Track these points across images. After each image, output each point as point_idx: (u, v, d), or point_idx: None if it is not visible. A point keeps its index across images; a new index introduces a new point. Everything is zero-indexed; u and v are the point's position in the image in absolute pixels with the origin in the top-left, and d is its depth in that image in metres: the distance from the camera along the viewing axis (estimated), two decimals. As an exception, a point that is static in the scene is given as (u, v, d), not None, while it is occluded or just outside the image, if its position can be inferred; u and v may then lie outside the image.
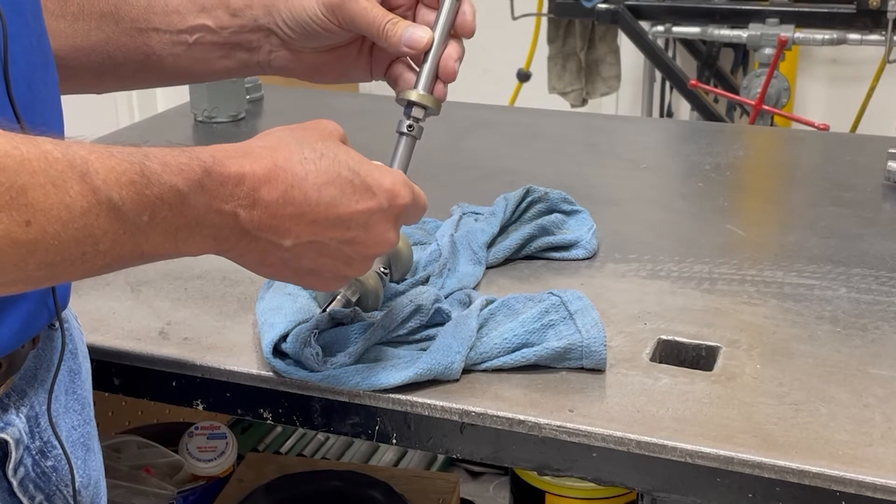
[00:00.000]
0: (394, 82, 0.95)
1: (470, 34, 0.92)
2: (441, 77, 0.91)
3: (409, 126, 0.91)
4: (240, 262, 0.77)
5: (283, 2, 0.93)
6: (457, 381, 0.90)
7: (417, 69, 0.92)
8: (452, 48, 0.91)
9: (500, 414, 0.86)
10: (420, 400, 0.88)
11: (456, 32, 0.92)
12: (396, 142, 0.91)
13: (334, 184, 0.76)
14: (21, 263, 0.61)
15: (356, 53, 0.96)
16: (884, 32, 2.63)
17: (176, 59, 0.96)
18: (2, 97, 0.70)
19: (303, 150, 0.76)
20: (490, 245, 1.14)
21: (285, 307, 0.95)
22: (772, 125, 2.64)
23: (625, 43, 3.11)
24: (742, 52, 3.29)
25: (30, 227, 0.60)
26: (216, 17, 0.95)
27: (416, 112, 0.91)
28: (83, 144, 0.64)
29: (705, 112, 2.84)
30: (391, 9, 0.93)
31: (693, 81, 2.75)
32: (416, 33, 0.89)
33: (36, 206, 0.60)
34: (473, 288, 1.06)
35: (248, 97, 1.78)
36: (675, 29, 2.95)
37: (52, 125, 0.78)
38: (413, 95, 0.91)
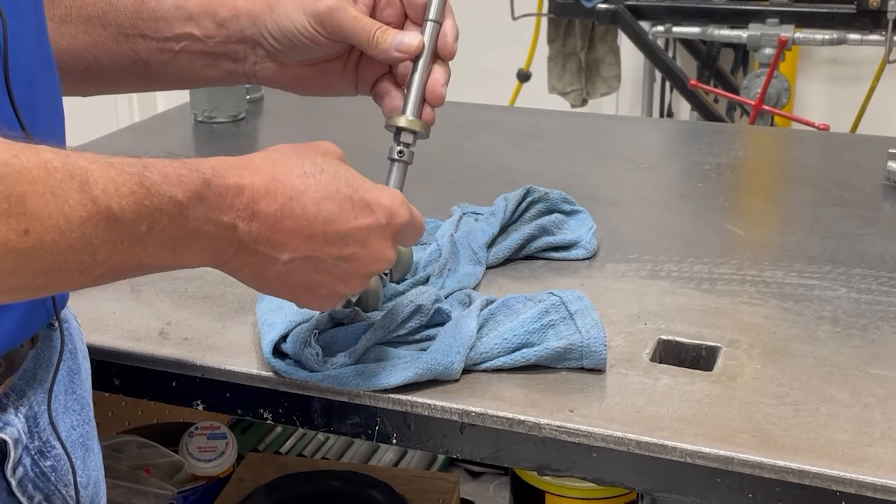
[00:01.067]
0: (380, 99, 0.95)
1: (450, 56, 0.92)
2: (429, 102, 0.91)
3: (400, 152, 0.91)
4: (236, 276, 0.77)
5: (270, 13, 0.92)
6: (457, 381, 0.90)
7: (404, 88, 0.92)
8: (439, 72, 0.91)
9: (500, 414, 0.86)
10: (420, 400, 0.88)
11: (438, 54, 0.92)
12: (389, 168, 0.91)
13: (333, 199, 0.76)
14: (18, 272, 0.61)
15: (342, 68, 0.96)
16: (884, 32, 2.63)
17: (162, 65, 0.96)
18: (2, 97, 0.70)
19: (303, 165, 0.76)
20: (490, 245, 1.14)
21: (285, 307, 0.95)
22: (772, 125, 2.64)
23: (625, 43, 3.10)
24: (742, 52, 3.28)
25: (28, 235, 0.60)
26: (202, 27, 0.94)
27: (406, 137, 0.91)
28: (83, 155, 0.64)
29: (705, 112, 2.84)
30: None
31: (693, 81, 2.75)
32: (407, 38, 0.89)
33: (34, 215, 0.60)
34: (473, 288, 1.06)
35: (248, 97, 1.78)
36: (675, 29, 2.95)
37: (52, 125, 0.78)
38: (402, 122, 0.90)
